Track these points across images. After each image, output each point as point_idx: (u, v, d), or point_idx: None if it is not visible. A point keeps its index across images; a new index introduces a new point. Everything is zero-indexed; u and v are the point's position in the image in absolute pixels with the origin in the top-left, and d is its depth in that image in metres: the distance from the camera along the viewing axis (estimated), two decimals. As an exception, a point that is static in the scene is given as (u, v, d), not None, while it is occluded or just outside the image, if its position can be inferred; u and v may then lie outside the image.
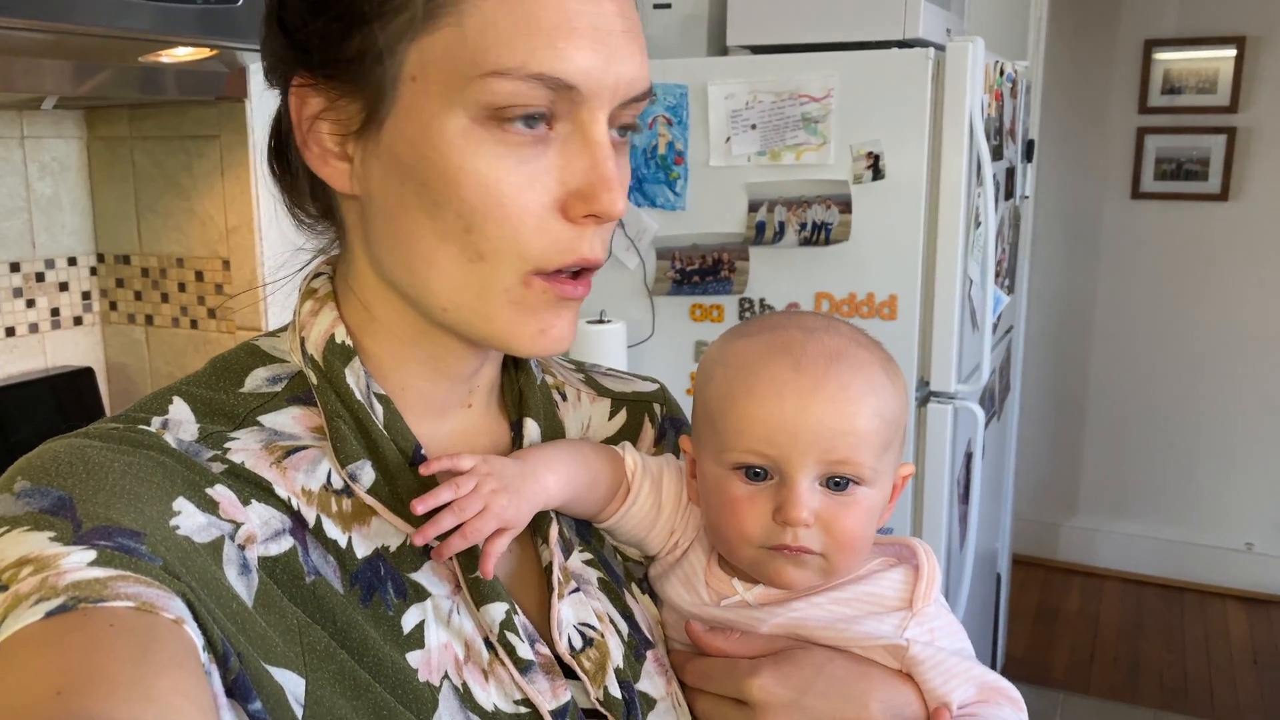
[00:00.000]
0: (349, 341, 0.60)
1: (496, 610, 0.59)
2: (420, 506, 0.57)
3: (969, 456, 2.09)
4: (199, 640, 0.45)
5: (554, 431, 0.69)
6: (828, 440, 0.63)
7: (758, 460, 0.64)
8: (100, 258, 1.72)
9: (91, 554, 0.45)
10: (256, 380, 0.60)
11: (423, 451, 0.60)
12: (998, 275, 2.17)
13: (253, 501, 0.54)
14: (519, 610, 0.60)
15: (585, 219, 0.54)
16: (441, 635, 0.57)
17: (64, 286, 1.68)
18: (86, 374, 1.66)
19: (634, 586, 0.72)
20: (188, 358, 1.68)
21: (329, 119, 0.56)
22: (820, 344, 0.66)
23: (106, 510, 0.48)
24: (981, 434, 2.02)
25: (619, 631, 0.66)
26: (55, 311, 1.66)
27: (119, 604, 0.43)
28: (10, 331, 1.60)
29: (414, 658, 0.56)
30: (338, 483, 0.58)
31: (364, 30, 0.53)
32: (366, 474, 0.58)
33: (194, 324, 1.66)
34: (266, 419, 0.58)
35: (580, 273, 0.57)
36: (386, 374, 0.61)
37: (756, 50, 2.01)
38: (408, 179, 0.54)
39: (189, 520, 0.51)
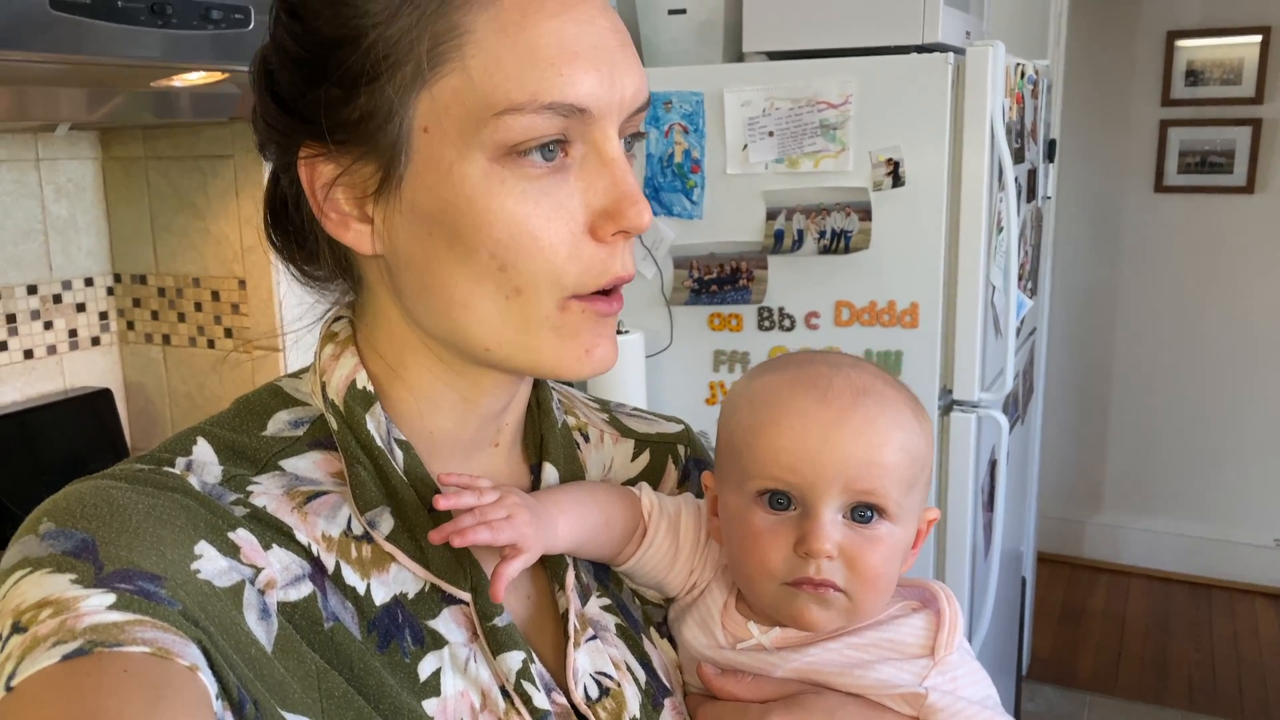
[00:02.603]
0: (370, 387, 0.59)
1: (513, 659, 0.58)
2: (443, 502, 0.56)
3: (993, 464, 2.06)
4: (213, 688, 0.45)
5: (573, 475, 0.69)
6: (853, 470, 0.63)
7: (781, 486, 0.64)
8: (117, 278, 1.71)
9: (111, 597, 0.45)
10: (279, 424, 0.60)
11: (440, 482, 0.60)
12: (1020, 279, 2.15)
13: (274, 546, 0.54)
14: (535, 659, 0.60)
15: (615, 236, 0.55)
16: (458, 683, 0.57)
17: (81, 307, 1.67)
18: (105, 395, 1.66)
19: (653, 631, 0.71)
20: (205, 377, 1.68)
21: (344, 185, 0.55)
22: (847, 379, 0.65)
23: (129, 553, 0.48)
24: (1006, 441, 2.00)
25: (636, 680, 0.65)
26: (73, 333, 1.66)
27: (135, 649, 0.43)
28: (29, 354, 1.60)
29: (430, 705, 0.56)
30: (358, 529, 0.58)
31: (368, 90, 0.52)
32: (386, 521, 0.58)
33: (211, 343, 1.66)
34: (288, 463, 0.58)
35: (612, 289, 0.57)
36: (415, 419, 0.61)
37: (773, 56, 1.98)
38: (435, 229, 0.54)
39: (210, 564, 0.51)
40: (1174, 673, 3.20)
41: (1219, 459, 3.67)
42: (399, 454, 0.59)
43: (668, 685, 0.68)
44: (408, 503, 0.58)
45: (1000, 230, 1.93)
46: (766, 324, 1.98)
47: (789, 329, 1.96)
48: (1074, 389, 3.82)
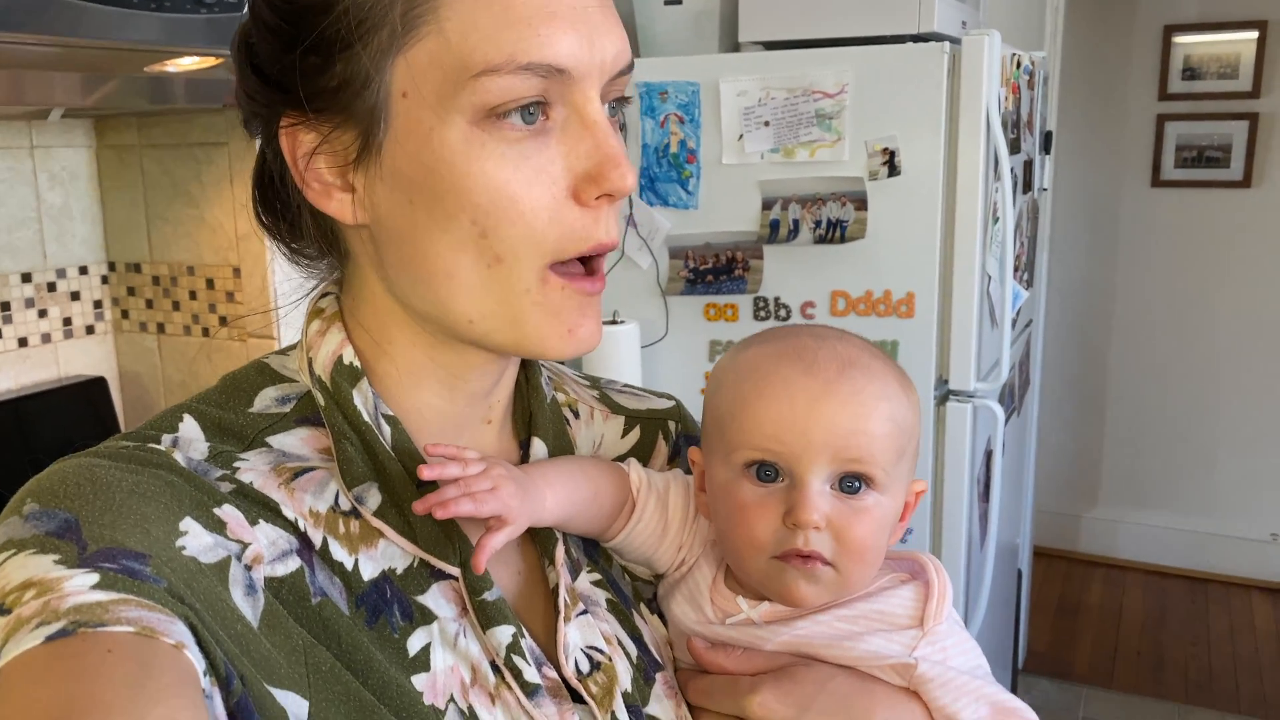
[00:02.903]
0: (357, 362, 0.59)
1: (503, 633, 0.58)
2: (428, 472, 0.56)
3: (989, 454, 2.06)
4: (200, 665, 0.45)
5: (562, 450, 0.68)
6: (840, 439, 0.62)
7: (768, 456, 0.63)
8: (111, 266, 1.71)
9: (95, 577, 0.45)
10: (266, 400, 0.60)
11: (425, 452, 0.59)
12: (1016, 270, 2.15)
13: (260, 522, 0.54)
14: (526, 633, 0.60)
15: (599, 200, 0.54)
16: (448, 658, 0.57)
17: (75, 296, 1.67)
18: (99, 383, 1.66)
19: (643, 607, 0.71)
20: (200, 365, 1.67)
21: (325, 153, 0.55)
22: (833, 350, 0.65)
23: (112, 531, 0.48)
24: (1001, 431, 2.00)
25: (627, 654, 0.65)
26: (67, 321, 1.66)
27: (119, 629, 0.43)
28: (23, 342, 1.60)
29: (419, 680, 0.55)
30: (345, 505, 0.57)
31: (344, 57, 0.52)
32: (373, 496, 0.58)
33: (205, 332, 1.66)
34: (275, 440, 0.58)
35: (592, 268, 0.57)
36: (402, 394, 0.60)
37: (769, 46, 1.98)
38: (416, 196, 0.53)
39: (195, 540, 0.50)
40: (1170, 666, 3.20)
41: (1216, 453, 3.67)
42: (386, 429, 0.59)
43: (659, 660, 0.68)
44: (395, 478, 0.58)
45: (996, 221, 1.93)
46: (762, 314, 1.98)
47: (785, 318, 1.96)
48: (1071, 383, 3.83)
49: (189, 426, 0.57)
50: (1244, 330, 3.57)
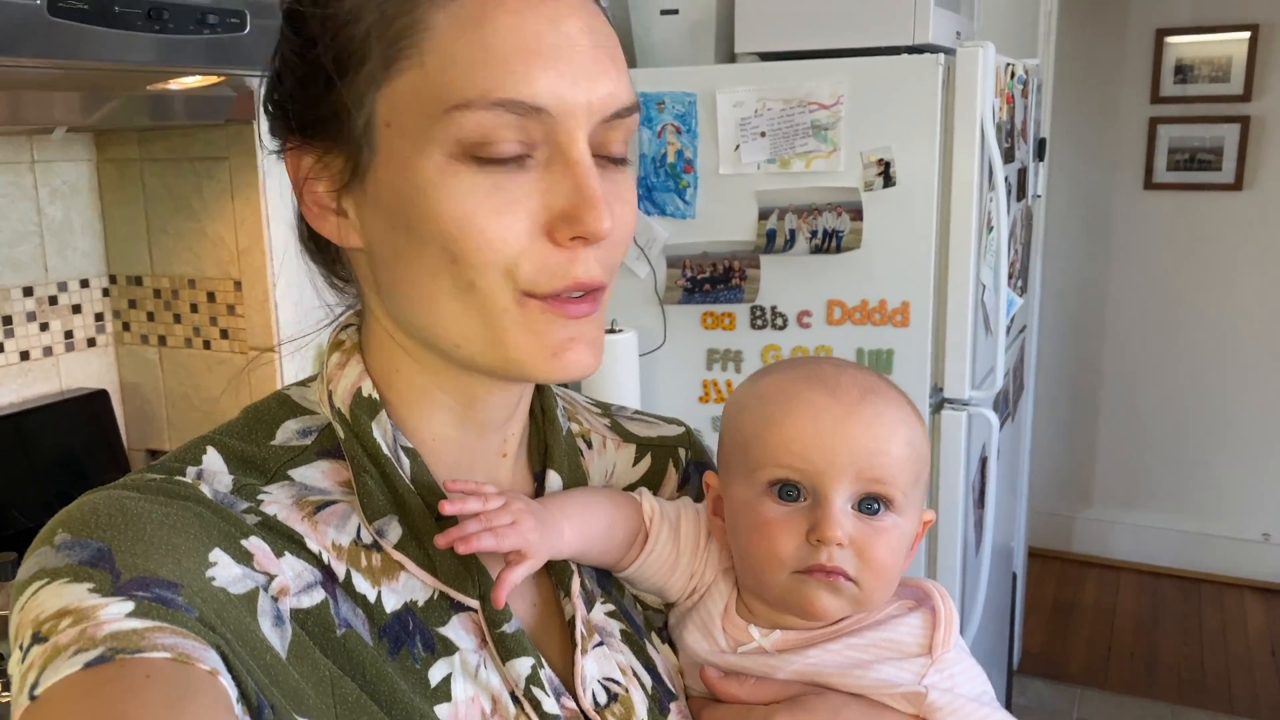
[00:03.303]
0: (375, 395, 0.60)
1: (523, 665, 0.59)
2: (449, 507, 0.57)
3: (984, 461, 2.08)
4: (233, 692, 0.46)
5: (576, 482, 0.69)
6: (864, 459, 0.64)
7: (793, 475, 0.65)
8: (112, 279, 1.72)
9: (129, 605, 0.46)
10: (287, 433, 0.60)
11: (445, 488, 0.60)
12: (1010, 277, 2.16)
13: (286, 554, 0.55)
14: (545, 664, 0.61)
15: (573, 242, 0.53)
16: (469, 689, 0.58)
17: (77, 309, 1.68)
18: (101, 396, 1.67)
19: (654, 636, 0.72)
20: (201, 378, 1.68)
21: (321, 177, 0.57)
22: (853, 377, 0.68)
23: (144, 561, 0.49)
24: (996, 439, 2.02)
25: (643, 685, 0.66)
26: (69, 334, 1.67)
27: (156, 655, 0.44)
28: (25, 355, 1.61)
29: (442, 710, 0.56)
30: (366, 538, 0.58)
31: (333, 87, 0.54)
32: (394, 529, 0.59)
33: (207, 345, 1.67)
34: (297, 473, 0.59)
35: (579, 295, 0.56)
36: (415, 424, 0.61)
37: (765, 57, 1.99)
38: (396, 223, 0.54)
39: (225, 571, 0.51)
40: (1163, 667, 3.23)
41: (1208, 454, 3.69)
42: (406, 462, 0.59)
43: (672, 689, 0.69)
44: (415, 511, 0.59)
45: (990, 230, 1.95)
46: (759, 323, 1.99)
47: (781, 328, 1.98)
48: (1064, 384, 3.85)
49: (212, 459, 0.57)
50: (1236, 332, 3.59)
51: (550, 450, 0.68)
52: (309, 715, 0.51)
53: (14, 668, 0.46)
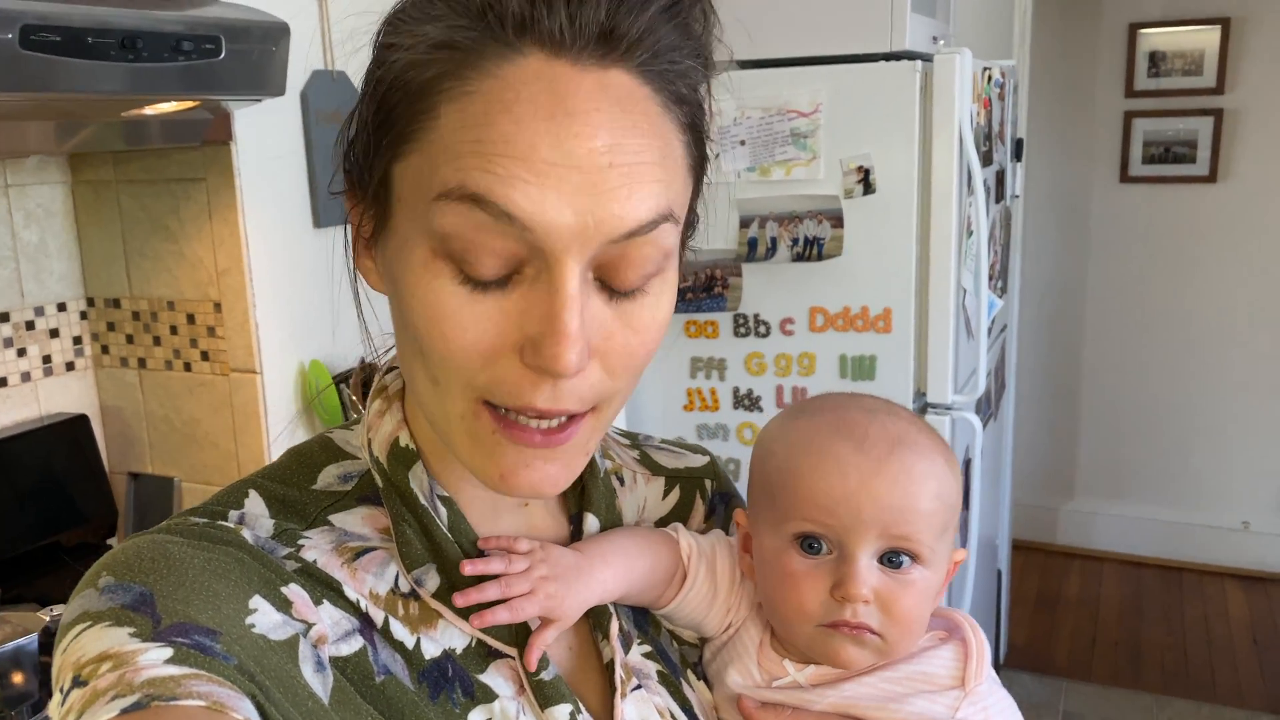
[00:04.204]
0: (412, 445, 0.60)
1: (561, 711, 0.59)
2: (469, 568, 0.57)
3: (967, 463, 2.09)
4: None
5: (613, 523, 0.69)
6: (889, 516, 0.64)
7: (818, 529, 0.65)
8: (90, 302, 1.70)
9: (168, 651, 0.47)
10: (329, 478, 0.61)
11: (479, 549, 0.61)
12: (990, 279, 2.17)
13: (324, 602, 0.56)
14: (583, 709, 0.61)
15: (535, 368, 0.50)
16: None
17: (54, 333, 1.66)
18: (81, 421, 1.65)
19: (690, 674, 0.72)
20: (182, 400, 1.67)
21: (362, 225, 0.58)
22: (883, 427, 0.67)
23: (185, 607, 0.49)
24: (980, 441, 2.03)
25: None
26: (47, 359, 1.65)
27: (190, 703, 0.45)
28: (3, 381, 1.59)
29: None
30: (405, 586, 0.59)
31: (367, 149, 0.55)
32: (431, 578, 0.59)
33: (188, 367, 1.66)
34: (337, 519, 0.59)
35: (558, 420, 0.53)
36: (450, 474, 0.61)
37: (743, 65, 1.99)
38: (392, 293, 0.55)
39: (264, 619, 0.52)
40: (1147, 657, 3.26)
41: (1188, 444, 3.73)
42: (443, 511, 0.60)
43: None
44: (452, 560, 0.59)
45: (970, 234, 1.96)
46: (742, 330, 1.99)
47: (764, 335, 1.98)
48: (1045, 378, 3.87)
49: (254, 503, 0.58)
50: (1213, 322, 3.62)
51: (588, 493, 0.68)
52: None
53: (54, 710, 0.47)
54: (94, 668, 0.46)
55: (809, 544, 0.66)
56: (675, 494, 0.76)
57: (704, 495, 0.78)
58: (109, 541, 1.69)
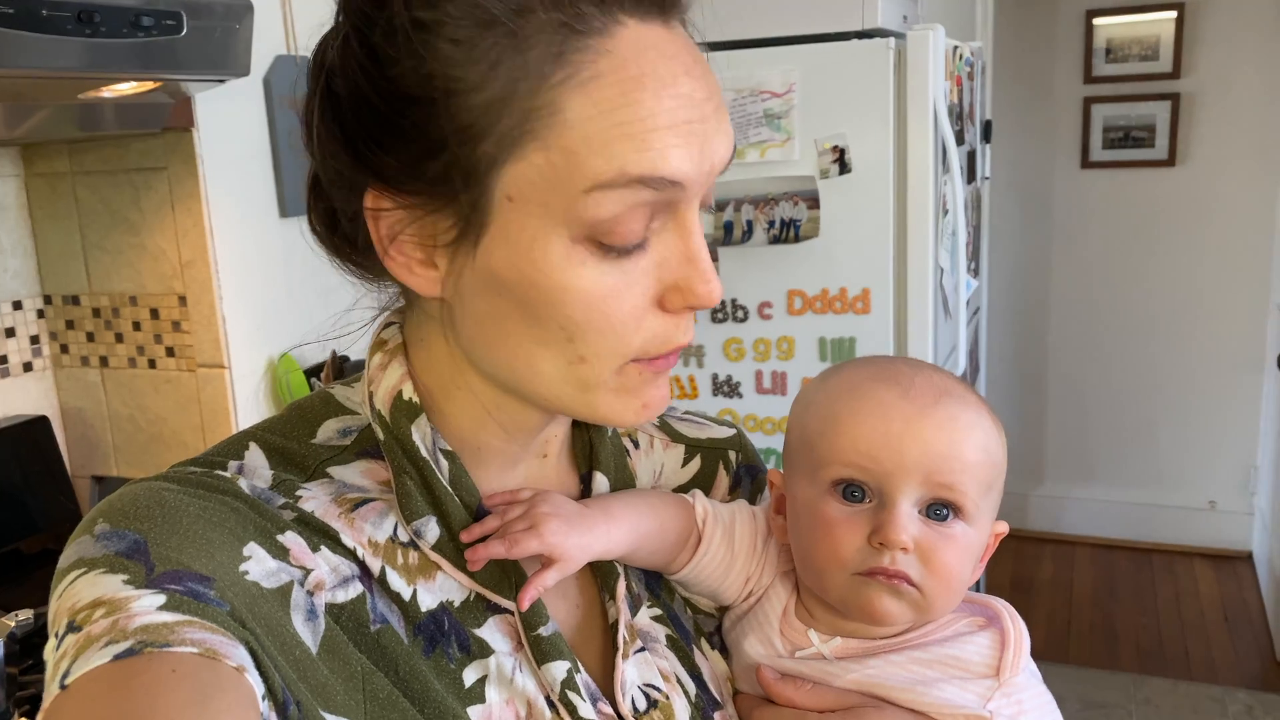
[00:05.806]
0: (416, 399, 0.59)
1: (558, 669, 0.58)
2: (466, 537, 0.58)
3: (948, 444, 2.08)
4: (259, 689, 0.46)
5: (623, 483, 0.68)
6: (934, 462, 0.61)
7: (858, 475, 0.62)
8: (47, 299, 1.64)
9: (161, 598, 0.47)
10: (328, 431, 0.61)
11: (484, 506, 0.60)
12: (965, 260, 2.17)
13: (322, 549, 0.55)
14: (581, 668, 0.60)
15: (683, 310, 0.54)
16: (503, 692, 0.58)
17: (10, 333, 1.60)
18: (41, 422, 1.59)
19: (704, 642, 0.70)
20: (148, 399, 1.61)
21: (414, 231, 0.54)
22: (929, 378, 0.65)
23: (179, 554, 0.49)
24: (960, 421, 2.02)
25: (686, 692, 0.64)
26: (3, 359, 1.59)
27: (184, 649, 0.45)
28: (-43, 384, 1.52)
29: (475, 712, 0.56)
30: (404, 536, 0.58)
31: (447, 154, 0.51)
32: (431, 530, 0.58)
33: (152, 364, 1.60)
34: (336, 471, 0.59)
35: None
36: (461, 434, 0.61)
37: (715, 47, 1.96)
38: (505, 293, 0.53)
39: (259, 566, 0.52)
40: (1122, 637, 3.28)
41: (1153, 426, 3.76)
42: (445, 464, 0.59)
43: (718, 698, 0.67)
44: (453, 513, 0.59)
45: (946, 213, 1.95)
46: (720, 316, 1.97)
47: (743, 320, 1.96)
48: (1012, 364, 3.89)
49: (254, 454, 0.58)
50: (1174, 305, 3.66)
51: (595, 451, 0.67)
52: (336, 712, 0.51)
53: (49, 654, 0.47)
54: (88, 614, 0.46)
55: (849, 491, 0.63)
56: (696, 463, 0.75)
57: (728, 467, 0.76)
58: (73, 548, 1.63)
